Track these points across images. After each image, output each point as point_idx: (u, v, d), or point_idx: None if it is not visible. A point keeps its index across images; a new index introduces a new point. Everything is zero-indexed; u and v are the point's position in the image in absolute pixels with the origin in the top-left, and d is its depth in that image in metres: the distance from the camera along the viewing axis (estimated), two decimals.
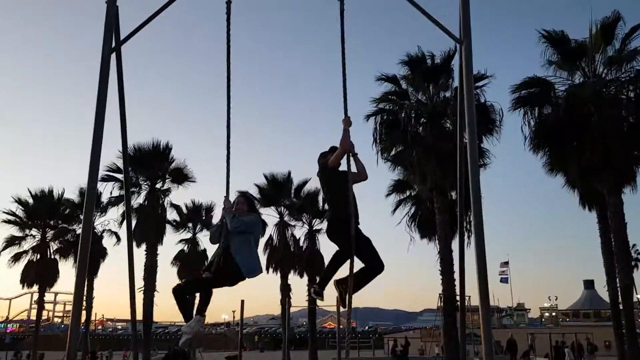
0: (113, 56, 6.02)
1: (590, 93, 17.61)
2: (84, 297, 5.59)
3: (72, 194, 32.09)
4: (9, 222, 31.17)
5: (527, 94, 18.83)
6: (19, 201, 31.48)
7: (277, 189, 29.85)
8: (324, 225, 30.15)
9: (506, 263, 56.17)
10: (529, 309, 69.40)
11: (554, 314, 64.64)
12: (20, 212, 31.53)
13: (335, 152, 5.48)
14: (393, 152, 20.39)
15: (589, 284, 65.49)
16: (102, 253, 30.50)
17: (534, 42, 19.22)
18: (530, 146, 18.72)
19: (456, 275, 18.86)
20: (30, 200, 31.70)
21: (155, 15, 6.00)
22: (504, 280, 55.74)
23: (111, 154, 25.76)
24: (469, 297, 22.49)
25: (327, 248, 30.28)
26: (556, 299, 67.09)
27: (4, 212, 31.17)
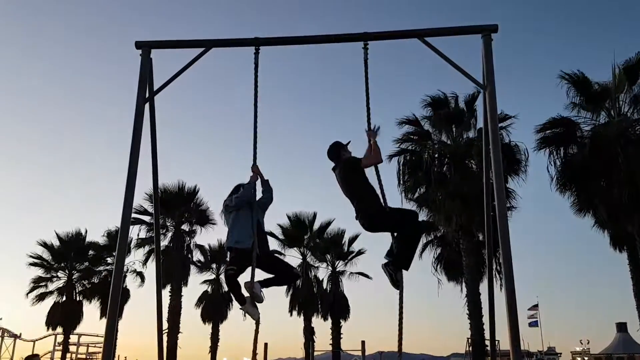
0: (146, 105, 6.26)
1: (615, 133, 17.48)
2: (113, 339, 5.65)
3: (97, 236, 32.61)
4: (35, 265, 31.63)
5: (551, 134, 18.76)
6: (45, 245, 31.98)
7: (300, 230, 29.86)
8: (348, 267, 30.05)
9: (535, 306, 54.52)
10: (560, 353, 66.73)
11: (586, 358, 62.13)
12: (46, 254, 32.01)
13: (368, 159, 5.72)
14: (417, 194, 20.38)
15: (621, 327, 62.96)
16: (125, 294, 30.65)
17: (557, 82, 19.27)
18: (557, 186, 18.53)
19: (484, 319, 18.50)
20: (57, 243, 32.21)
21: (187, 66, 6.24)
22: (534, 324, 53.96)
23: (138, 196, 26.22)
24: (498, 341, 21.87)
25: (351, 291, 30.02)
26: (588, 343, 64.45)
27: (30, 255, 31.70)
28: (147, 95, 6.18)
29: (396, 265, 5.51)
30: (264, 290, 5.79)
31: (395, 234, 5.64)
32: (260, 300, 5.73)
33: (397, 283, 5.53)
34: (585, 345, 64.11)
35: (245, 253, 5.66)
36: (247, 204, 5.91)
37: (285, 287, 29.42)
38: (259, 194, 6.08)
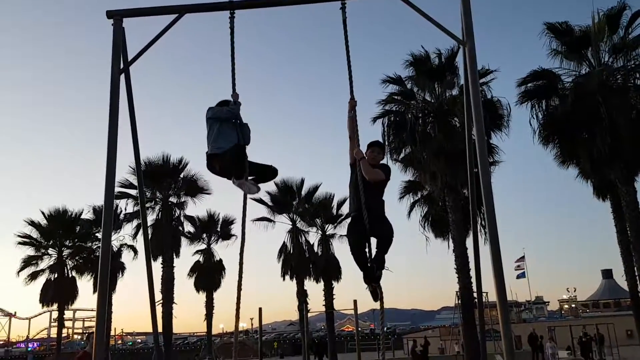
0: (122, 76, 6.13)
1: (597, 83, 17.54)
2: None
3: (85, 211, 32.41)
4: (24, 243, 31.53)
5: (533, 87, 18.80)
6: (32, 223, 31.82)
7: (288, 196, 29.93)
8: (338, 230, 30.29)
9: (522, 258, 55.80)
10: (548, 302, 68.84)
11: (573, 305, 64.03)
12: (34, 233, 31.89)
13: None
14: (403, 154, 20.43)
15: (607, 274, 64.93)
16: (120, 268, 30.74)
17: (538, 34, 19.22)
18: (540, 139, 18.69)
19: (472, 273, 18.89)
20: (44, 221, 32.04)
21: (161, 34, 6.09)
22: (521, 276, 55.38)
23: (122, 170, 26.01)
24: (486, 293, 22.41)
25: (342, 252, 30.24)
26: (575, 291, 66.47)
27: (18, 235, 31.55)
28: (121, 66, 6.04)
29: (379, 266, 5.57)
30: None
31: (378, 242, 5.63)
32: (257, 190, 5.98)
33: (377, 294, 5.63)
34: (572, 293, 66.17)
35: (226, 155, 5.72)
36: (232, 121, 5.96)
37: (276, 254, 29.78)
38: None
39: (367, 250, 5.64)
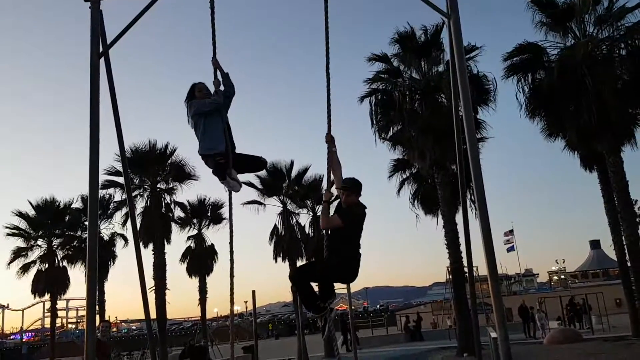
0: (102, 61, 6.01)
1: (582, 54, 17.54)
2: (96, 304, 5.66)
3: (75, 201, 32.12)
4: (13, 235, 31.27)
5: (519, 61, 18.76)
6: (21, 214, 31.51)
7: (278, 178, 29.83)
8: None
9: (511, 231, 56.32)
10: (537, 274, 69.83)
11: (562, 276, 65.02)
12: (23, 224, 31.62)
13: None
14: (391, 132, 20.37)
15: (595, 244, 65.87)
16: (111, 257, 30.56)
17: (524, 7, 19.16)
18: (527, 113, 18.71)
19: (462, 248, 19.03)
20: (33, 212, 31.75)
21: (139, 16, 5.96)
22: (511, 249, 55.93)
23: (110, 158, 25.69)
24: (477, 267, 22.59)
25: None
26: (564, 262, 67.48)
27: (6, 227, 31.27)
28: (101, 49, 5.91)
29: (329, 297, 5.60)
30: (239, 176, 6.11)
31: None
32: (239, 187, 6.06)
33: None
34: (561, 264, 67.18)
35: (219, 156, 5.84)
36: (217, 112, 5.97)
37: (268, 236, 29.79)
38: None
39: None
